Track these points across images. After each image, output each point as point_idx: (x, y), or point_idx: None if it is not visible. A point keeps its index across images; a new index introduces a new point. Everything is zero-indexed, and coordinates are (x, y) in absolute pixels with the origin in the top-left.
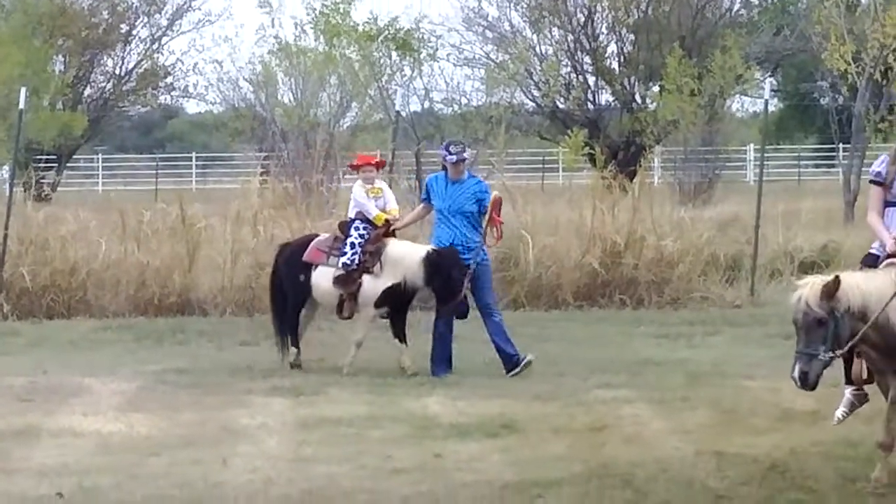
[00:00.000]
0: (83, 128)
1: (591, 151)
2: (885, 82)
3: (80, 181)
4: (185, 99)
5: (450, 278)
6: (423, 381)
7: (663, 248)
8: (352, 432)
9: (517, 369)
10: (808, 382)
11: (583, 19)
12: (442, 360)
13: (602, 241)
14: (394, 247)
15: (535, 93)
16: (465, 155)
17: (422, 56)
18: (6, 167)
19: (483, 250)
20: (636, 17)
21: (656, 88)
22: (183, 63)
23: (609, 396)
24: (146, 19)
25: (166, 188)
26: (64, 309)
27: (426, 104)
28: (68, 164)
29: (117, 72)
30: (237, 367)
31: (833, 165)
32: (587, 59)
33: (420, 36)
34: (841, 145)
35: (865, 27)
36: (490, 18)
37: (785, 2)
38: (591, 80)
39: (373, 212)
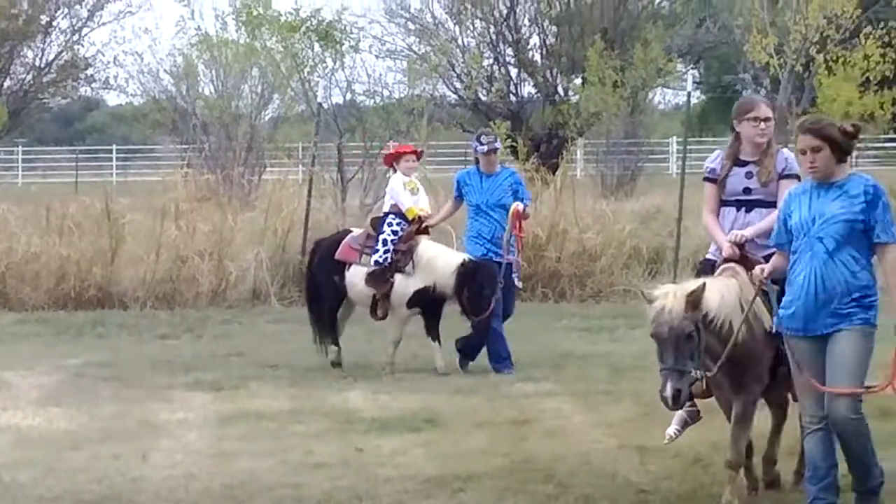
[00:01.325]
0: (2, 120)
1: (514, 144)
2: (807, 74)
3: None
4: (106, 91)
5: (480, 295)
6: (345, 375)
7: (585, 241)
8: (273, 427)
9: (463, 362)
10: (680, 401)
11: (505, 11)
12: (500, 356)
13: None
14: (427, 248)
15: (458, 85)
16: (497, 145)
17: (344, 48)
18: None
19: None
20: (558, 9)
21: (579, 81)
22: (104, 55)
23: (531, 390)
24: (67, 10)
25: (86, 181)
26: None
27: (348, 96)
28: None
29: (37, 63)
30: (157, 360)
31: None
32: (509, 51)
33: (342, 27)
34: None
35: (787, 19)
36: (412, 10)
37: None
38: (514, 72)
39: (406, 203)
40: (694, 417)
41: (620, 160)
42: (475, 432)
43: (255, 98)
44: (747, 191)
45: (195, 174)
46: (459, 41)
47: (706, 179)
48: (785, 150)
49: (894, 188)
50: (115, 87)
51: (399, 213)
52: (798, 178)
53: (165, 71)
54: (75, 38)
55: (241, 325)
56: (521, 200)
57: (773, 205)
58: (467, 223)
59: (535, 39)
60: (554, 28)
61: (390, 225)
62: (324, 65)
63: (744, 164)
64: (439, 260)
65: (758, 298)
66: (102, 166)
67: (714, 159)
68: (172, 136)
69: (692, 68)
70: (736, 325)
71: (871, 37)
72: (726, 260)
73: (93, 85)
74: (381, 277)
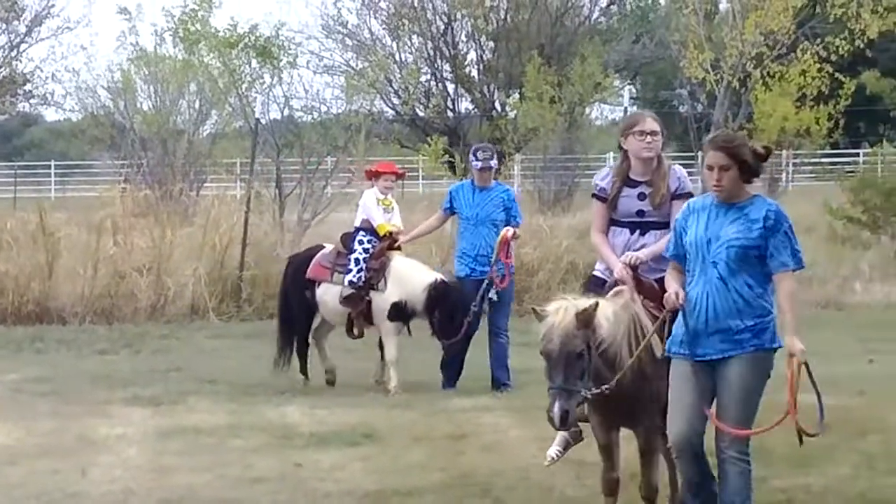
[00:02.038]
0: None
1: (451, 159)
2: (743, 90)
3: None
4: (44, 106)
5: (450, 319)
6: (284, 390)
7: (523, 256)
8: (212, 442)
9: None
10: (568, 422)
11: (442, 27)
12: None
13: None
14: (399, 263)
15: (395, 100)
16: (493, 163)
17: (281, 63)
18: None
19: (511, 270)
20: (495, 24)
21: (516, 96)
22: (42, 70)
23: (469, 405)
24: (5, 26)
25: (25, 196)
26: None
27: (286, 112)
28: None
29: None
30: (96, 375)
31: (692, 173)
32: (447, 67)
33: (280, 43)
34: (700, 153)
35: (724, 35)
36: (349, 26)
37: (644, 10)
38: (451, 87)
39: (377, 219)
40: (576, 438)
41: (557, 175)
42: (413, 447)
43: (193, 114)
44: (640, 213)
45: (133, 189)
46: (397, 57)
47: (595, 197)
48: (677, 167)
49: (829, 203)
50: (53, 103)
51: (370, 230)
52: (691, 196)
53: (103, 87)
54: (13, 53)
55: (179, 340)
56: (513, 218)
57: (667, 226)
58: (457, 239)
59: (472, 55)
60: (491, 44)
61: (361, 243)
62: (261, 81)
63: (635, 184)
64: (411, 276)
65: (649, 324)
66: (41, 182)
67: (604, 177)
68: (111, 151)
69: (629, 84)
70: (625, 351)
71: (808, 52)
72: (617, 282)
73: (31, 101)
74: (356, 297)
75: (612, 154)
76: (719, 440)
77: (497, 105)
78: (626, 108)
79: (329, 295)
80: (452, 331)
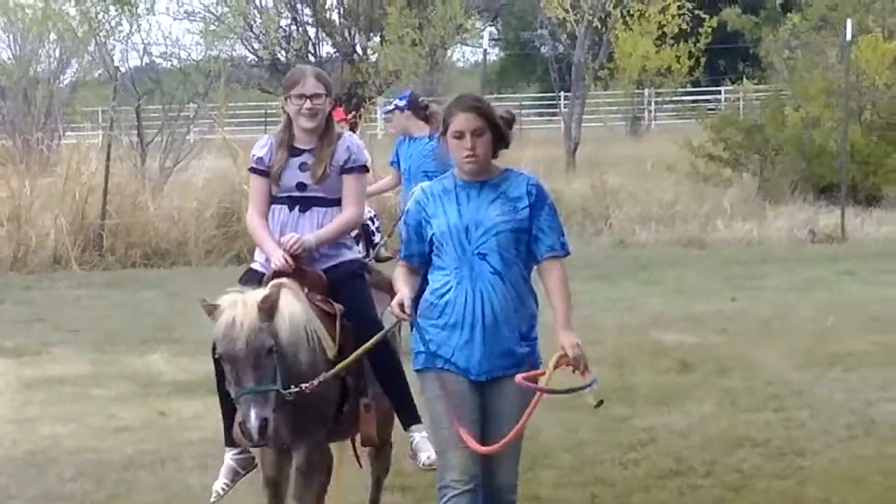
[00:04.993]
0: None
1: None
2: (603, 30)
3: None
4: None
5: None
6: (147, 339)
7: (386, 201)
8: (75, 391)
9: None
10: (268, 433)
11: None
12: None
13: None
14: None
15: (256, 45)
16: (397, 103)
17: (139, 10)
18: None
19: None
20: None
21: (377, 39)
22: None
23: None
24: None
25: None
26: None
27: (146, 59)
28: None
29: None
30: None
31: (555, 114)
32: (307, 11)
33: None
34: (562, 94)
35: None
36: None
37: None
38: (312, 31)
39: None
40: (247, 466)
41: None
42: None
43: (52, 63)
44: (301, 186)
45: None
46: (257, 1)
47: (251, 171)
48: (349, 135)
49: (690, 141)
50: None
51: None
52: (367, 169)
53: None
54: None
55: (41, 290)
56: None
57: (334, 203)
58: None
59: None
60: None
61: None
62: (120, 28)
63: (298, 152)
64: None
65: (316, 318)
66: None
67: (263, 145)
68: None
69: (490, 25)
70: (303, 355)
71: None
72: (277, 273)
73: None
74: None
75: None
76: (496, 477)
77: (358, 49)
78: (485, 50)
79: None
80: None
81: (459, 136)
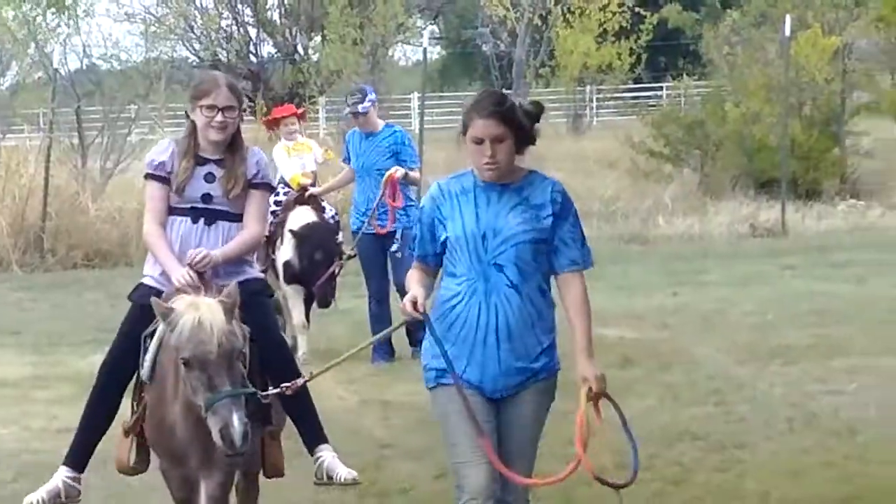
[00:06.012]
0: None
1: (253, 103)
2: (544, 27)
3: None
4: None
5: (311, 261)
6: (89, 340)
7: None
8: (16, 393)
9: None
10: (249, 438)
11: None
12: (378, 344)
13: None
14: (294, 216)
15: (197, 46)
16: (361, 107)
17: (78, 12)
18: None
19: (403, 216)
20: None
21: (318, 39)
22: None
23: None
24: None
25: None
26: None
27: (85, 61)
28: None
29: None
30: None
31: None
32: (248, 11)
33: None
34: (504, 91)
35: None
36: None
37: None
38: (253, 31)
39: (287, 174)
40: (71, 495)
41: None
42: None
43: None
44: (207, 198)
45: None
46: (197, 2)
47: (150, 177)
48: (257, 149)
49: (631, 137)
50: None
51: (287, 183)
52: (271, 189)
53: None
54: None
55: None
56: (403, 163)
57: (240, 218)
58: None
59: None
60: None
61: (276, 194)
62: (59, 31)
63: (203, 161)
64: (290, 226)
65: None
66: None
67: (163, 150)
68: None
69: (431, 23)
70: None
71: None
72: (180, 290)
73: None
74: (262, 252)
75: (416, 94)
76: (506, 493)
77: (300, 48)
78: (424, 48)
79: None
80: (309, 278)
81: (479, 142)
